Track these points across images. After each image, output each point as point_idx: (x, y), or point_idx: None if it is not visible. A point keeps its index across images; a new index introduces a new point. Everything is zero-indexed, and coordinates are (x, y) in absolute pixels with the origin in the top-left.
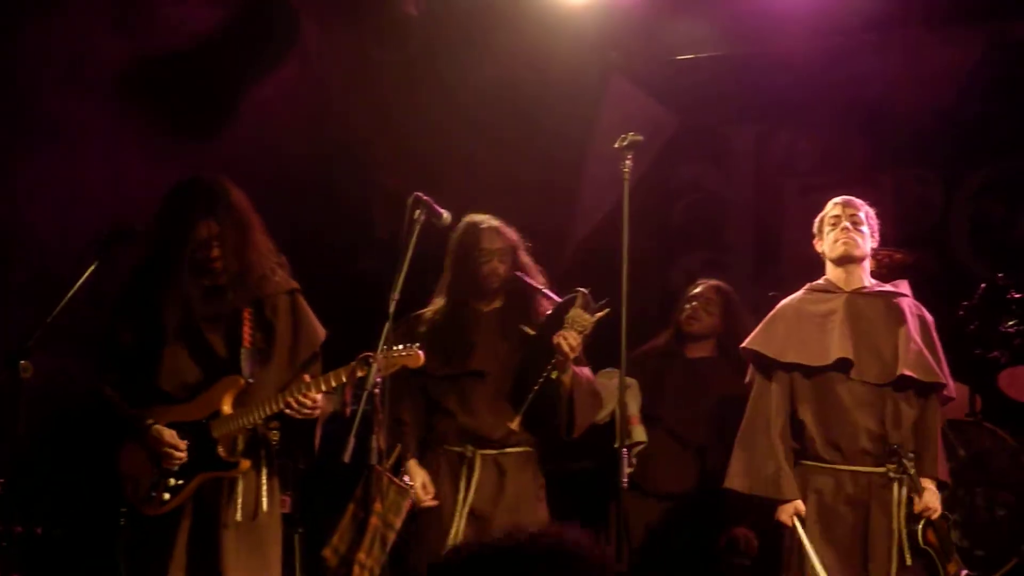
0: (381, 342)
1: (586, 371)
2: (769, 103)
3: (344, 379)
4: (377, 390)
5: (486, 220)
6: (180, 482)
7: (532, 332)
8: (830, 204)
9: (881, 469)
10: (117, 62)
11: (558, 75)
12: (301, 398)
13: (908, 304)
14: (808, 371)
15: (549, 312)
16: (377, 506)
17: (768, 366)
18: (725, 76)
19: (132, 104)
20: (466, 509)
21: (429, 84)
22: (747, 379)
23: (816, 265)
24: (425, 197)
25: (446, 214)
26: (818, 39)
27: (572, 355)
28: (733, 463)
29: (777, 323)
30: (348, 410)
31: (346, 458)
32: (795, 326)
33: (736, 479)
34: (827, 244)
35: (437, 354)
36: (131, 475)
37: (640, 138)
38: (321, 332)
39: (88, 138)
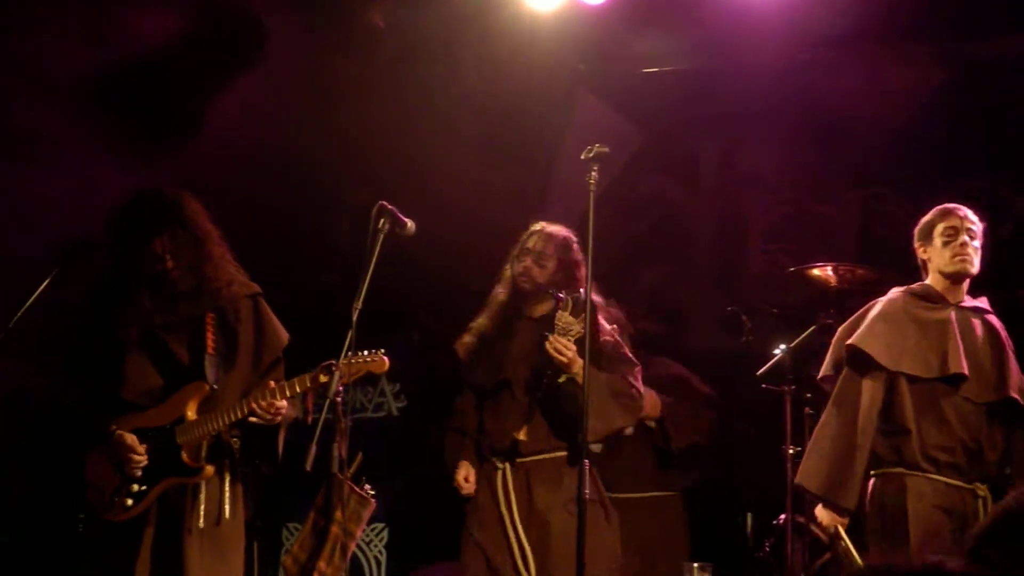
0: (344, 350)
1: (628, 375)
2: (734, 118)
3: (308, 384)
4: (339, 399)
5: (543, 224)
6: (143, 488)
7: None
8: (942, 212)
9: (969, 486)
10: (83, 72)
11: (525, 87)
12: (265, 404)
13: (997, 323)
14: (915, 379)
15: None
16: (338, 515)
17: (866, 365)
18: (690, 90)
19: (98, 114)
20: (516, 522)
21: (396, 95)
22: (823, 373)
23: (776, 281)
24: (390, 206)
25: (410, 223)
26: (784, 55)
27: (563, 359)
28: (811, 460)
29: (881, 324)
30: (310, 418)
31: (308, 466)
32: (905, 331)
33: (812, 479)
34: (942, 257)
35: (482, 359)
36: (95, 482)
37: (606, 150)
38: (284, 336)
39: (54, 147)
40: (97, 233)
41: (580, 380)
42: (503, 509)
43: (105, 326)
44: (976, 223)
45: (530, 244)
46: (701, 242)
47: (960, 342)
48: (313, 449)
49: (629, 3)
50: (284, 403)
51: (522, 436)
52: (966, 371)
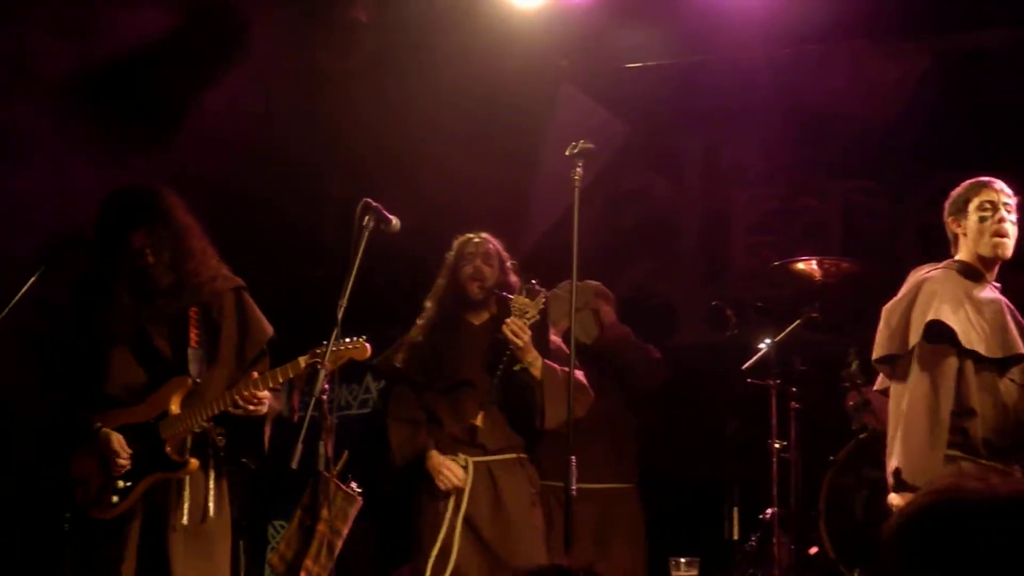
0: (329, 344)
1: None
2: (718, 113)
3: (291, 374)
4: (325, 396)
5: (476, 234)
6: (129, 484)
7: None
8: (977, 184)
9: (1009, 470)
10: (63, 68)
11: (509, 83)
12: (247, 394)
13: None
14: (979, 358)
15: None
16: (324, 513)
17: (941, 340)
18: (674, 85)
19: (79, 111)
20: (460, 517)
21: (379, 91)
22: (879, 355)
23: (761, 275)
24: (374, 203)
25: (395, 220)
26: (767, 50)
27: (518, 342)
28: (913, 446)
29: (947, 303)
30: (296, 416)
31: (294, 464)
32: (966, 310)
33: (910, 474)
34: (980, 235)
35: (429, 365)
36: (81, 479)
37: (591, 146)
38: (268, 329)
39: (34, 145)
40: (81, 230)
41: (534, 371)
42: (451, 503)
43: (88, 323)
44: (1012, 197)
45: (471, 249)
46: (686, 237)
47: (1012, 323)
48: (299, 447)
49: None
50: (267, 394)
51: (479, 422)
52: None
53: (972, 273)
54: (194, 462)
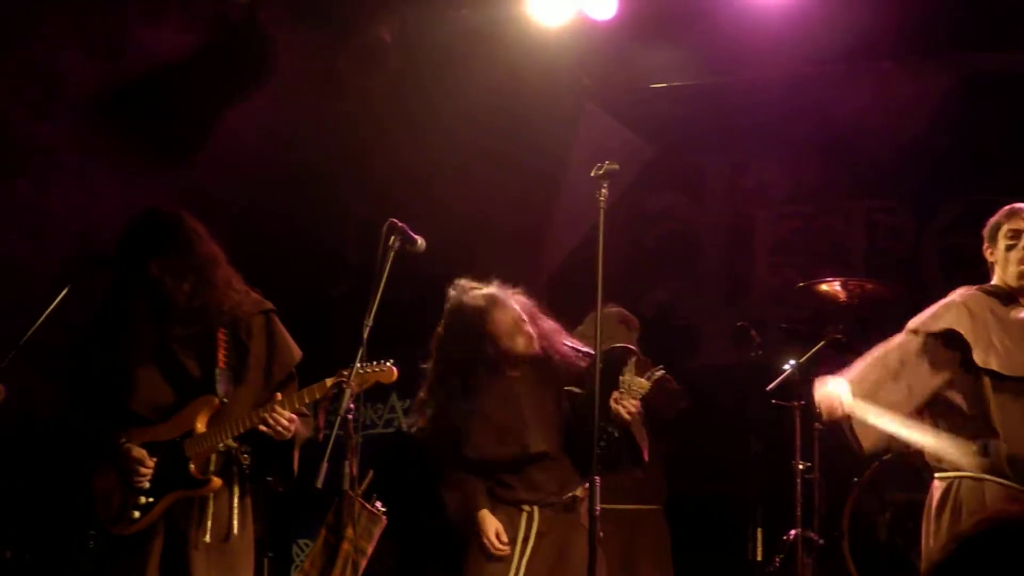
0: (355, 365)
1: None
2: (742, 132)
3: (317, 396)
4: (350, 415)
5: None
6: (151, 500)
7: (580, 392)
8: (1008, 212)
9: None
10: (89, 86)
11: (533, 101)
12: (275, 415)
13: None
14: (1001, 377)
15: (593, 366)
16: (349, 532)
17: (948, 347)
18: (698, 105)
19: (104, 128)
20: (524, 563)
21: (403, 109)
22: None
23: (785, 296)
24: (400, 224)
25: (420, 241)
26: (792, 69)
27: (628, 419)
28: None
29: (977, 321)
30: (321, 435)
31: (319, 483)
32: (989, 328)
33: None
34: (1007, 266)
35: (486, 433)
36: (103, 495)
37: (616, 167)
38: (297, 353)
39: (59, 162)
40: (106, 247)
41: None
42: (518, 550)
43: (118, 338)
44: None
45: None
46: (709, 257)
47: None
48: (324, 466)
49: (636, 18)
50: (294, 418)
51: (580, 493)
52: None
53: (1003, 295)
54: (217, 481)
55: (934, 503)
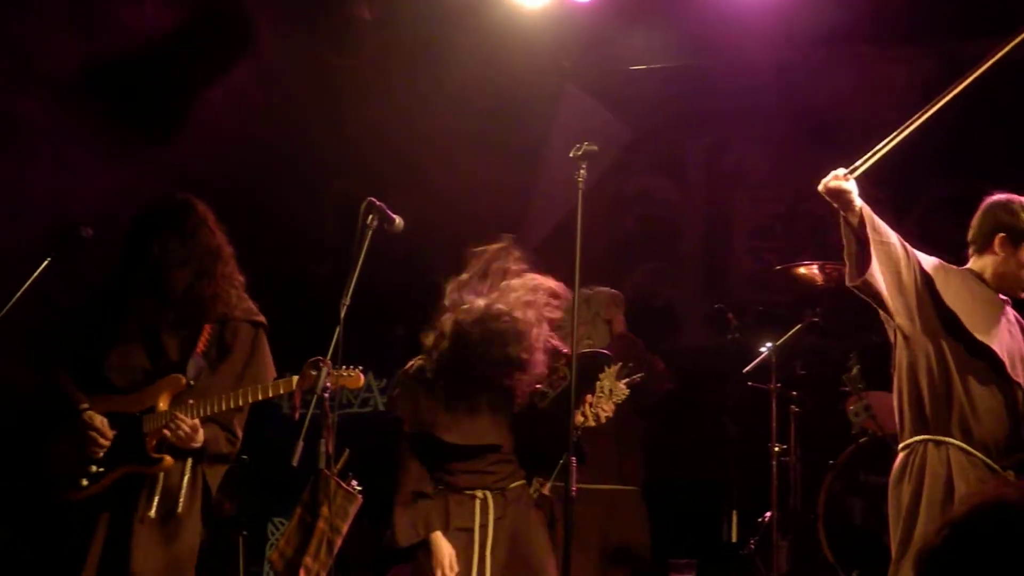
0: (331, 345)
1: None
2: (722, 115)
3: (282, 391)
4: (327, 394)
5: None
6: (101, 470)
7: (550, 392)
8: None
9: (1002, 472)
10: (69, 63)
11: (513, 82)
12: (178, 420)
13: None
14: (970, 343)
15: (565, 364)
16: (324, 510)
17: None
18: (679, 87)
19: (84, 106)
20: (488, 550)
21: (383, 89)
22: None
23: (763, 279)
24: (378, 203)
25: (398, 220)
26: (772, 52)
27: (592, 424)
28: None
29: (956, 281)
30: (297, 414)
31: (295, 462)
32: (964, 291)
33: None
34: (1019, 283)
35: (448, 419)
36: (56, 458)
37: (595, 148)
38: (272, 374)
39: (39, 139)
40: (83, 225)
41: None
42: (477, 537)
43: (107, 312)
44: None
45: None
46: (688, 239)
47: (1005, 331)
48: (300, 444)
49: (616, 0)
50: (195, 424)
51: (546, 491)
52: (999, 352)
53: (980, 279)
54: (169, 460)
55: (894, 472)
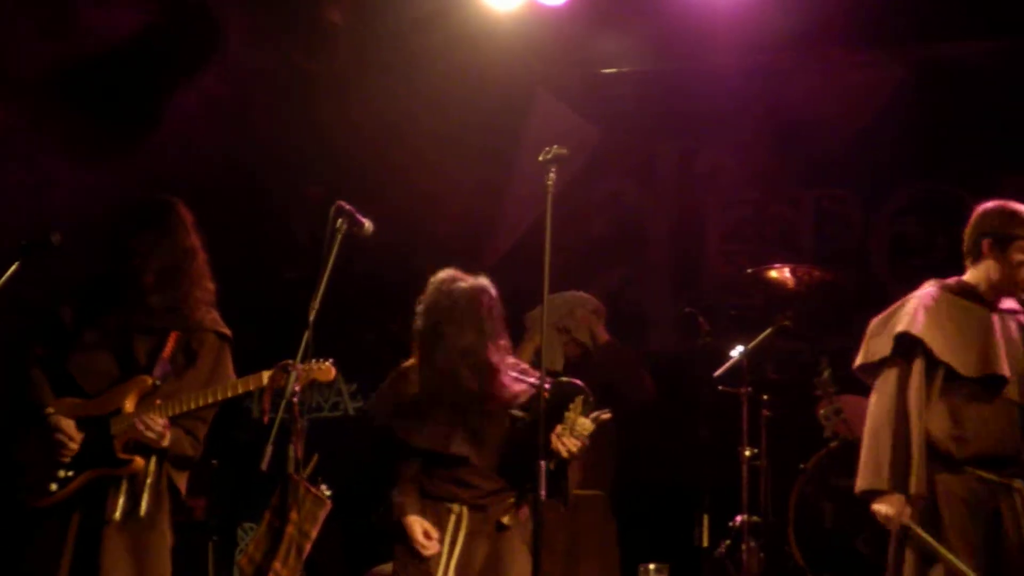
0: (300, 350)
1: None
2: (692, 119)
3: (252, 387)
4: (295, 399)
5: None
6: (70, 474)
7: (523, 416)
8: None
9: (1005, 481)
10: (40, 66)
11: (484, 86)
12: (149, 417)
13: None
14: (953, 375)
15: (539, 396)
16: (293, 515)
17: (913, 353)
18: (649, 91)
19: (55, 109)
20: (453, 562)
21: (355, 93)
22: (859, 362)
23: (734, 282)
24: (347, 206)
25: (368, 223)
26: (743, 57)
27: (566, 456)
28: (872, 456)
29: (925, 315)
30: (267, 418)
31: (264, 466)
32: (946, 326)
33: (876, 477)
34: (1011, 276)
35: (419, 425)
36: (24, 463)
37: (565, 152)
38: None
39: (9, 143)
40: (52, 231)
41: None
42: (445, 549)
43: (72, 318)
44: None
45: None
46: (658, 243)
47: (1002, 343)
48: (269, 449)
49: (588, 4)
50: (165, 423)
51: (508, 521)
52: (1007, 373)
53: (971, 294)
54: (139, 461)
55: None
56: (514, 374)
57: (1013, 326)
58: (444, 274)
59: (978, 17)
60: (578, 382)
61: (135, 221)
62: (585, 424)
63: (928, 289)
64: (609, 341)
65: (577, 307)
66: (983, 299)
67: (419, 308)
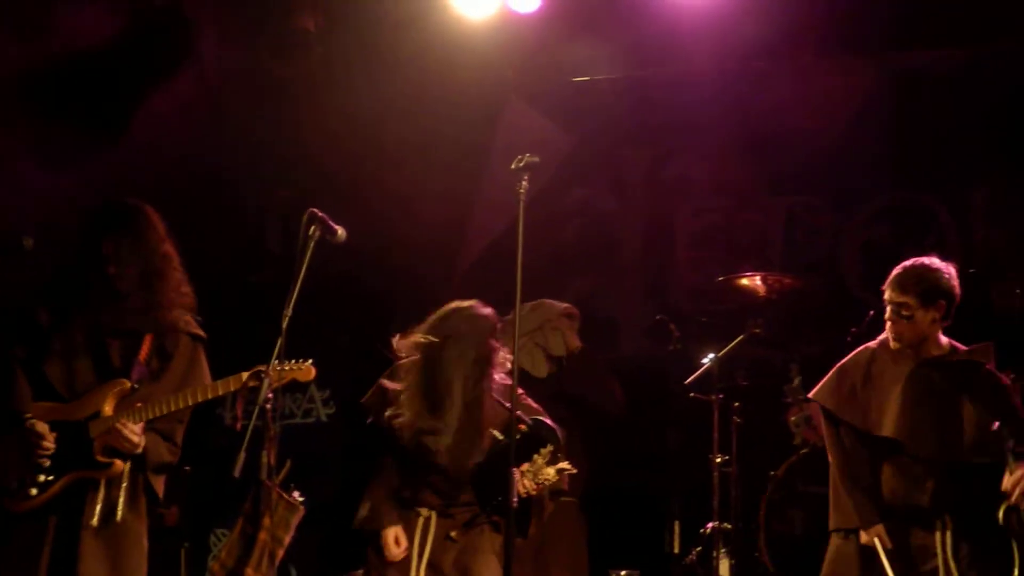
0: (273, 356)
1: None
2: (664, 127)
3: (232, 388)
4: (268, 405)
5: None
6: (50, 478)
7: (500, 439)
8: (888, 281)
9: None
10: (12, 67)
11: (457, 93)
12: (122, 425)
13: (981, 375)
14: (855, 429)
15: (523, 429)
16: (266, 521)
17: (833, 417)
18: (622, 99)
19: (27, 111)
20: (423, 565)
21: (327, 98)
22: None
23: (705, 290)
24: (320, 213)
25: (341, 231)
26: (715, 65)
27: (524, 494)
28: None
29: (835, 375)
30: (239, 425)
31: (236, 473)
32: (854, 383)
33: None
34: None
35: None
36: (2, 469)
37: (536, 159)
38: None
39: None
40: (21, 235)
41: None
42: (415, 552)
43: (55, 316)
44: (903, 297)
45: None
46: (629, 250)
47: (905, 403)
48: (242, 455)
49: (560, 12)
50: (136, 430)
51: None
52: (892, 434)
53: (890, 350)
54: (120, 464)
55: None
56: (497, 397)
57: (940, 377)
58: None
59: (952, 25)
60: (554, 427)
61: (109, 224)
62: (548, 473)
63: (866, 345)
64: (581, 349)
65: (547, 320)
66: (901, 354)
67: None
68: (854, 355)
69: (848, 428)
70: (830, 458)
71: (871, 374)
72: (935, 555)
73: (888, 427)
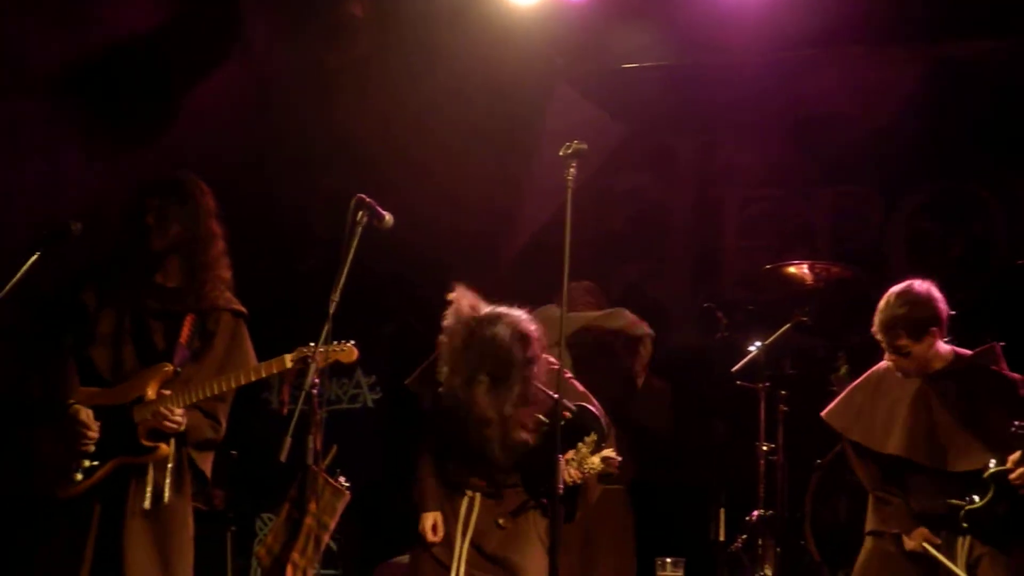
0: (320, 341)
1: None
2: (713, 115)
3: (275, 370)
4: (315, 390)
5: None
6: (95, 464)
7: (546, 423)
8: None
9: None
10: (56, 59)
11: (506, 80)
12: (168, 407)
13: (989, 381)
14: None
15: (568, 416)
16: (312, 506)
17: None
18: (670, 86)
19: (71, 102)
20: (466, 545)
21: (376, 86)
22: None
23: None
24: (368, 199)
25: (388, 216)
26: (764, 53)
27: (569, 483)
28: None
29: (847, 394)
30: (285, 409)
31: (282, 457)
32: (862, 401)
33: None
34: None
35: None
36: (48, 456)
37: (585, 146)
38: (253, 364)
39: (26, 136)
40: (70, 221)
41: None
42: (458, 531)
43: (105, 296)
44: (896, 341)
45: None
46: (678, 238)
47: (910, 418)
48: (288, 440)
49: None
50: (182, 411)
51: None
52: (905, 454)
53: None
54: (165, 448)
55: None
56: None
57: (951, 388)
58: (485, 312)
59: (998, 15)
60: (599, 414)
61: (156, 185)
62: (593, 462)
63: (881, 364)
64: (649, 385)
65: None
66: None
67: (453, 337)
68: (866, 375)
69: (855, 446)
70: (856, 473)
71: (880, 392)
72: (956, 560)
73: (892, 445)
